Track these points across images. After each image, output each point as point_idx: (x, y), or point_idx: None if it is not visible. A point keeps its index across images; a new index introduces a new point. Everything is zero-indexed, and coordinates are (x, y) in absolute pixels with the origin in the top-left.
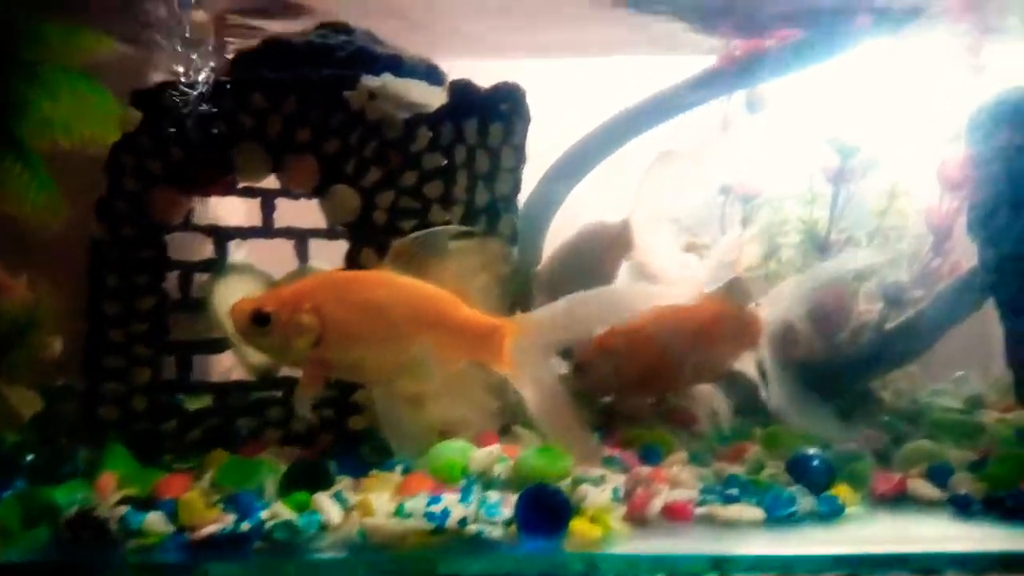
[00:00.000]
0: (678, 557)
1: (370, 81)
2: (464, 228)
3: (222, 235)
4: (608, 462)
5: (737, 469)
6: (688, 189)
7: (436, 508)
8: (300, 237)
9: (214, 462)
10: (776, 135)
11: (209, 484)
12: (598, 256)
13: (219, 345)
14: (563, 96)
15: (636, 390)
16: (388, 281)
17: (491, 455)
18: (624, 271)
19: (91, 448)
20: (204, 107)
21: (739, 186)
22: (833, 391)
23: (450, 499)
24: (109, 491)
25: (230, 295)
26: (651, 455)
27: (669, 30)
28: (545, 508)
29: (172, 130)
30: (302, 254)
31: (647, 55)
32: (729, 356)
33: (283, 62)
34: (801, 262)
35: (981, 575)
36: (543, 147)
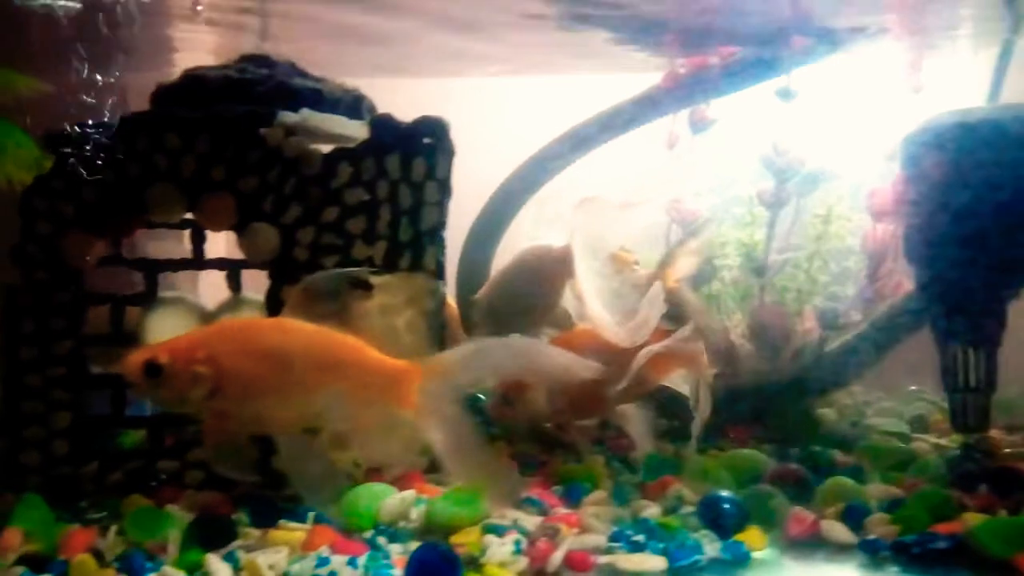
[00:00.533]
0: None
1: (288, 117)
2: (365, 269)
3: (152, 267)
4: (527, 502)
5: (655, 509)
6: (615, 232)
7: (323, 571)
8: (232, 268)
9: (128, 509)
10: (718, 156)
11: (115, 536)
12: (542, 279)
13: None
14: (511, 115)
15: (566, 415)
16: (287, 328)
17: (403, 502)
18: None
19: (14, 494)
20: (117, 147)
21: (675, 210)
22: (774, 412)
23: (337, 562)
24: (13, 548)
25: (163, 327)
26: (574, 493)
27: (614, 49)
28: (433, 568)
29: (85, 172)
30: (234, 285)
31: (592, 73)
32: (655, 376)
33: (202, 98)
34: (741, 284)
35: None
36: (484, 166)
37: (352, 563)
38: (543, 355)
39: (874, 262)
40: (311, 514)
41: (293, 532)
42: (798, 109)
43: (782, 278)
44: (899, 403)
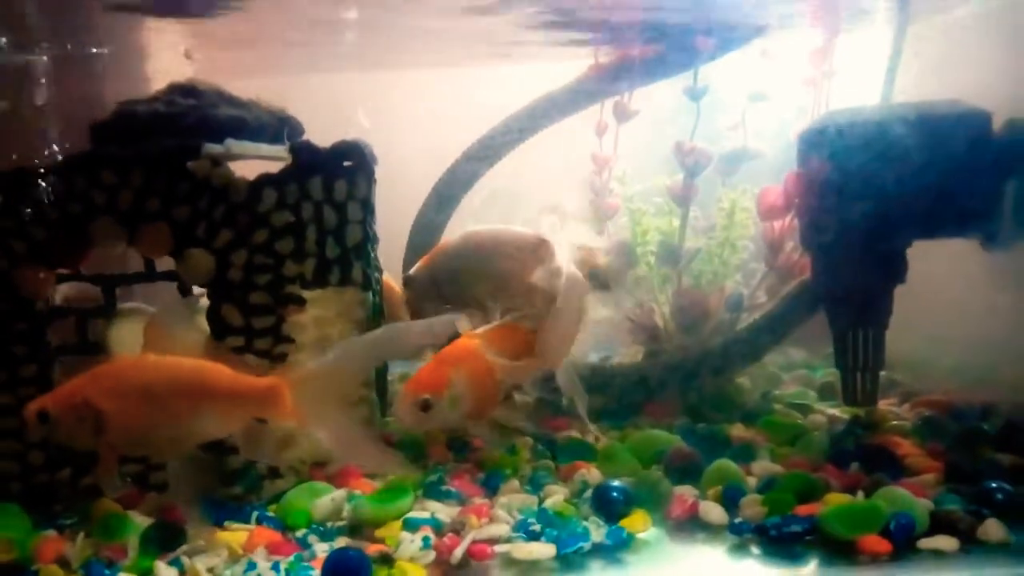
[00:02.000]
0: None
1: (211, 148)
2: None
3: (108, 282)
4: (447, 495)
5: (560, 494)
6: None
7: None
8: (182, 279)
9: (97, 514)
10: (640, 145)
11: (83, 541)
12: (496, 259)
13: None
14: (441, 107)
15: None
16: (156, 363)
17: (335, 501)
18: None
19: None
20: (59, 186)
21: (598, 204)
22: (693, 386)
23: (263, 567)
24: None
25: (123, 336)
26: (492, 481)
27: (539, 37)
28: (345, 569)
29: (30, 211)
30: (185, 295)
31: (517, 64)
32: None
33: (132, 133)
34: (657, 270)
35: None
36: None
37: (275, 567)
38: (403, 332)
39: (773, 251)
40: (255, 514)
41: (237, 532)
42: (716, 97)
43: (699, 262)
44: (812, 370)
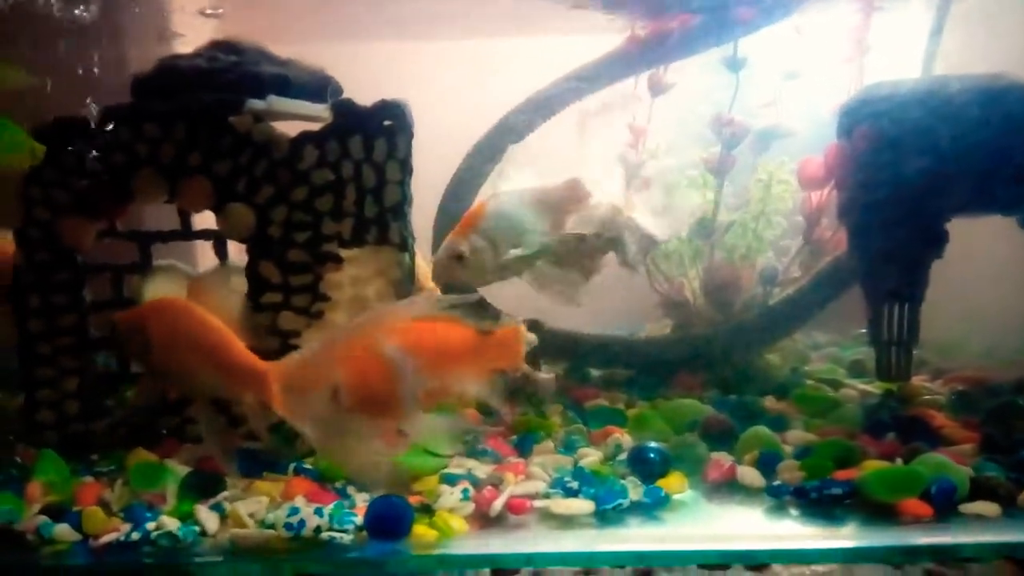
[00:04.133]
0: (495, 555)
1: (254, 104)
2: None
3: (144, 238)
4: (482, 454)
5: (593, 456)
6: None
7: (294, 519)
8: (218, 238)
9: (132, 462)
10: (675, 118)
11: (121, 488)
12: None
13: None
14: (470, 78)
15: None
16: (191, 313)
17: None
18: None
19: (34, 448)
20: (103, 137)
21: (630, 172)
22: (723, 360)
23: (306, 511)
24: (36, 499)
25: (159, 292)
26: (526, 443)
27: (577, 10)
28: (387, 516)
29: (75, 161)
30: (221, 254)
31: (555, 36)
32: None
33: (175, 86)
34: (694, 243)
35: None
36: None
37: (319, 512)
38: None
39: (810, 224)
40: (292, 466)
41: (275, 482)
42: (749, 74)
43: (732, 236)
44: (842, 348)
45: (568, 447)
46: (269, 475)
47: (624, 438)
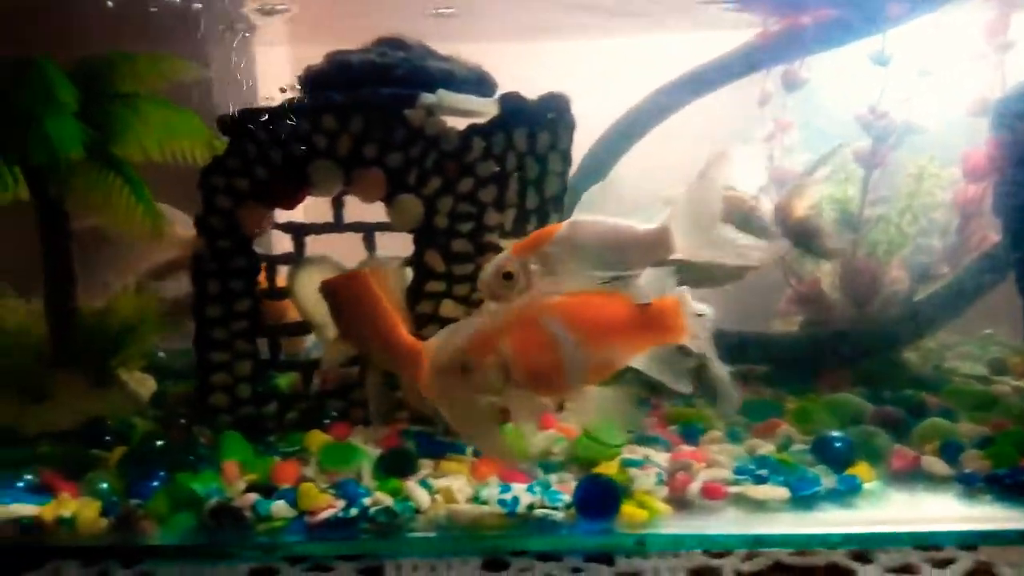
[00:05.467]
0: (715, 536)
1: (426, 98)
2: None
3: (299, 230)
4: (652, 441)
5: (768, 446)
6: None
7: (507, 496)
8: (367, 231)
9: (313, 444)
10: (812, 113)
11: (315, 468)
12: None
13: (302, 328)
14: (601, 75)
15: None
16: (369, 288)
17: (548, 438)
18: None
19: (209, 430)
20: (281, 129)
21: (773, 169)
22: (863, 358)
23: (518, 488)
24: (234, 478)
25: (310, 283)
26: (691, 433)
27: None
28: (599, 495)
29: (256, 152)
30: (370, 247)
31: (684, 32)
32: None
33: (347, 81)
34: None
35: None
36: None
37: (531, 489)
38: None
39: (965, 217)
40: (469, 448)
41: (459, 463)
42: (891, 69)
43: (874, 232)
44: (976, 347)
45: (732, 438)
46: (452, 456)
47: (791, 430)
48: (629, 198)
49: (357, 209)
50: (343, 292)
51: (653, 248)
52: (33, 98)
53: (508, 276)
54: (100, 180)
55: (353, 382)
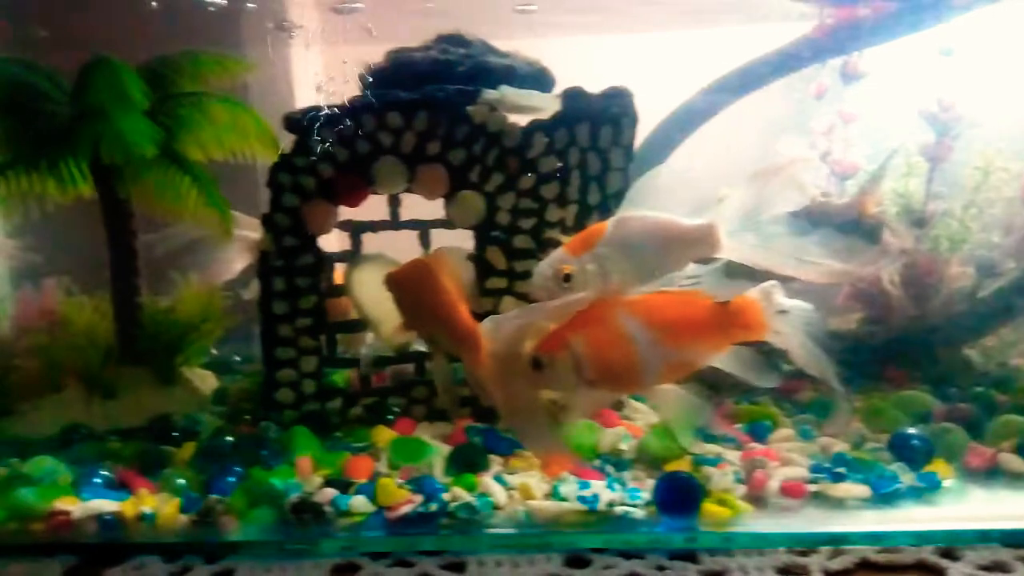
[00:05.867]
0: (800, 534)
1: (489, 94)
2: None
3: (357, 228)
4: (724, 439)
5: (840, 445)
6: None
7: (587, 493)
8: (423, 228)
9: (380, 440)
10: (871, 106)
11: (387, 464)
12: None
13: (358, 326)
14: (656, 69)
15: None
16: (432, 274)
17: (617, 435)
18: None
19: (276, 425)
20: (346, 127)
21: (835, 163)
22: (925, 356)
23: (597, 485)
24: (308, 473)
25: (366, 280)
26: (759, 431)
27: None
28: (681, 492)
29: (322, 149)
30: (424, 243)
31: (738, 24)
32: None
33: (410, 79)
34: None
35: None
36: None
37: (610, 485)
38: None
39: None
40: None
41: (530, 459)
42: (955, 61)
43: (936, 227)
44: None
45: (802, 436)
46: (519, 452)
47: (862, 428)
48: (680, 192)
49: (411, 207)
50: (407, 280)
51: (698, 244)
52: (106, 96)
53: (568, 278)
54: (169, 179)
55: (412, 379)
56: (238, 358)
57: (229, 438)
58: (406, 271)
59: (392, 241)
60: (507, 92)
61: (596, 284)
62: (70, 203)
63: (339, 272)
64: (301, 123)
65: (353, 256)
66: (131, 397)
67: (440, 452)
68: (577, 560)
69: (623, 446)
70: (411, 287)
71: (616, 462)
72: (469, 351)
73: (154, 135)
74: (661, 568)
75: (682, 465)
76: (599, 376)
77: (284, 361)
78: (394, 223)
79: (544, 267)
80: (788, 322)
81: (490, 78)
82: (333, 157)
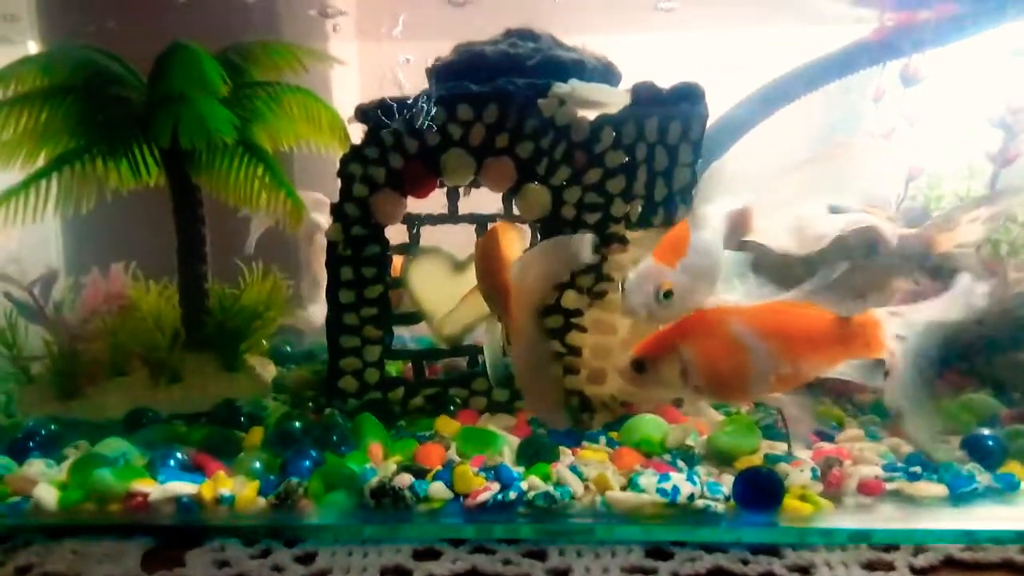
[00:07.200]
0: (879, 531)
1: (559, 88)
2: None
3: (415, 221)
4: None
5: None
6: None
7: (667, 485)
8: (480, 222)
9: (444, 429)
10: (932, 109)
11: (456, 452)
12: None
13: (415, 318)
14: (713, 69)
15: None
16: (494, 241)
17: (685, 431)
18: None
19: (341, 413)
20: (416, 118)
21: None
22: (984, 361)
23: (677, 478)
24: (380, 459)
25: (423, 273)
26: (825, 431)
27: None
28: (762, 488)
29: (393, 141)
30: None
31: (794, 26)
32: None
33: (480, 72)
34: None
35: None
36: None
37: (690, 478)
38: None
39: None
40: (601, 437)
41: (597, 451)
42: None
43: (996, 231)
44: None
45: (870, 436)
46: (589, 445)
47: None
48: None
49: (469, 201)
50: (480, 249)
51: (734, 228)
52: (187, 82)
53: (668, 295)
54: (242, 166)
55: (473, 372)
56: (289, 348)
57: (297, 424)
58: (484, 237)
59: (447, 235)
60: (577, 86)
61: (692, 297)
62: (139, 191)
63: (396, 264)
64: (374, 114)
65: (411, 249)
66: (196, 382)
67: (509, 442)
68: (659, 552)
69: (691, 442)
70: (481, 254)
71: (685, 456)
72: (506, 312)
73: (234, 121)
74: (745, 562)
75: (754, 461)
76: (706, 384)
77: (349, 349)
78: (453, 216)
79: (640, 283)
80: (902, 349)
81: (559, 72)
82: (403, 148)
